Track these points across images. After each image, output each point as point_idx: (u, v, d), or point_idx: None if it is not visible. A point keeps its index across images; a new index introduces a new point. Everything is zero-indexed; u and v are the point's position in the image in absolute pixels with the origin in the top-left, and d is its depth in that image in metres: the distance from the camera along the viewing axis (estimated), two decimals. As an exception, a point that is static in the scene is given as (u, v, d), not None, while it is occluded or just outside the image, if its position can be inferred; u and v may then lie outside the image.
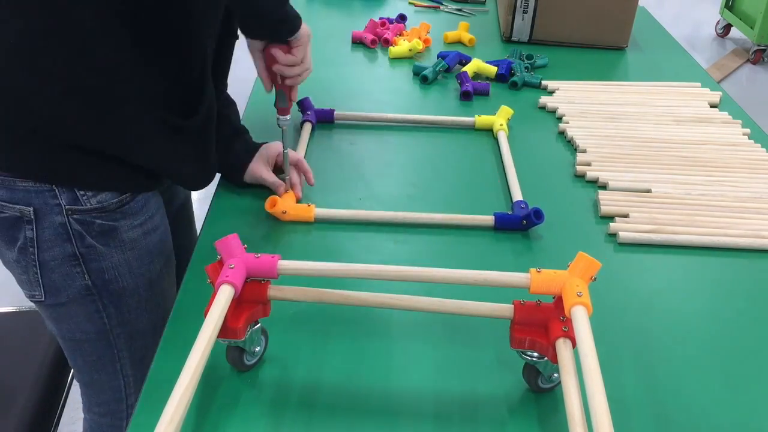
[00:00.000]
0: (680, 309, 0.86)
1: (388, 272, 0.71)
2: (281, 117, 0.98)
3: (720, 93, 1.41)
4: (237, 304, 0.69)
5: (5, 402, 1.05)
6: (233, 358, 0.73)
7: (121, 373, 1.00)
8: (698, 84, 1.46)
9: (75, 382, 1.14)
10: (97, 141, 0.82)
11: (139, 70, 0.82)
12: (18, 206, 0.84)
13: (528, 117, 1.32)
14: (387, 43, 1.61)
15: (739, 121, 1.30)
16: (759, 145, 1.23)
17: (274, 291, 0.71)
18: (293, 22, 0.89)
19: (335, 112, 1.26)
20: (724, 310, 0.87)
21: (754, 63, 4.06)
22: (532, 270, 0.67)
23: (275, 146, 1.06)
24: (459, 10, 1.88)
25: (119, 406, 1.03)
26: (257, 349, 0.75)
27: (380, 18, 1.72)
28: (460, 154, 1.20)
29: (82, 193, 0.84)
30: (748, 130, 1.27)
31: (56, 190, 0.83)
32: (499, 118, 1.26)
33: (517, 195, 1.05)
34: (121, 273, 0.91)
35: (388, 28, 1.67)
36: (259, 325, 0.74)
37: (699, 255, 0.96)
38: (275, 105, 0.97)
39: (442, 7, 1.90)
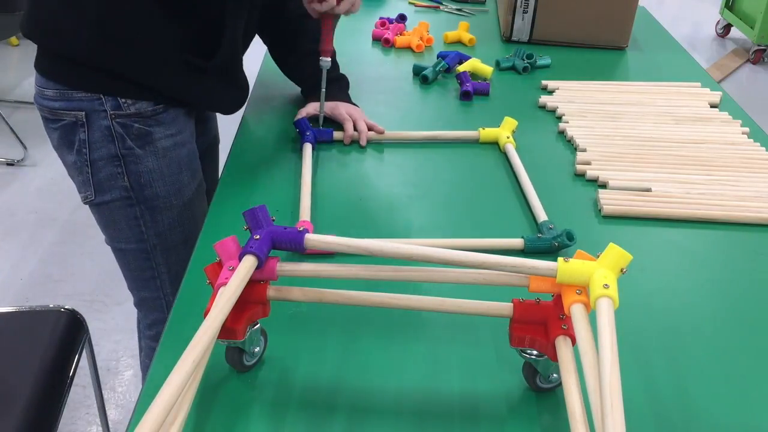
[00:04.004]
0: (681, 310, 0.86)
1: (388, 273, 0.71)
2: (323, 58, 1.14)
3: (720, 93, 1.41)
4: (237, 304, 0.69)
5: (5, 402, 1.05)
6: (233, 359, 0.73)
7: (161, 290, 1.19)
8: (698, 84, 1.46)
9: (73, 385, 1.15)
10: (132, 73, 1.00)
11: (159, 20, 0.98)
12: (73, 112, 1.02)
13: (528, 116, 1.32)
14: (387, 43, 1.61)
15: (739, 121, 1.30)
16: (759, 144, 1.23)
17: (273, 291, 0.71)
18: None
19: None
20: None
21: (754, 63, 4.06)
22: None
23: (343, 105, 1.24)
24: (459, 10, 1.88)
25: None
26: (257, 349, 0.75)
27: (380, 18, 1.72)
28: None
29: (123, 100, 1.01)
30: (747, 129, 1.27)
31: (103, 99, 1.01)
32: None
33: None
34: (154, 178, 1.07)
35: (388, 28, 1.67)
36: (258, 325, 0.73)
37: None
38: (319, 48, 1.14)
39: (442, 7, 1.90)
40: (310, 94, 1.28)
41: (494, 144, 1.23)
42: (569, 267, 0.64)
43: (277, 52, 1.33)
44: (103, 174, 1.06)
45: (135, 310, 1.29)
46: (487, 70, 1.46)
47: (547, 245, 0.94)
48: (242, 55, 1.14)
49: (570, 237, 0.94)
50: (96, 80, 1.01)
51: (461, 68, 1.45)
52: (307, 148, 1.15)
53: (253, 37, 1.20)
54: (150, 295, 1.20)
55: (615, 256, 0.64)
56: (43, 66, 1.04)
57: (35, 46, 1.03)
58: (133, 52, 1.00)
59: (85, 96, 1.01)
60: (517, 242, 0.95)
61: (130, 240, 1.13)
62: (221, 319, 0.62)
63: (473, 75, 1.46)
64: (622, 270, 0.64)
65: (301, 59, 1.28)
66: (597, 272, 0.64)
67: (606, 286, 0.62)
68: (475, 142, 1.23)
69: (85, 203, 1.11)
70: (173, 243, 1.14)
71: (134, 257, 1.15)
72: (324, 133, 1.20)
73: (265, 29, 1.28)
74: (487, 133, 1.22)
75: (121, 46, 0.99)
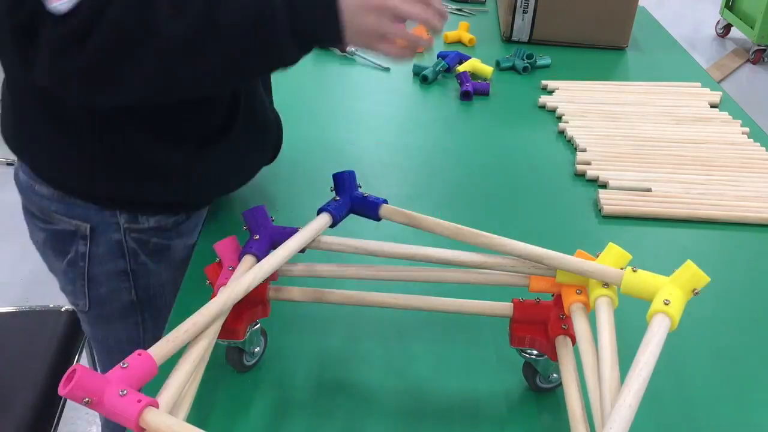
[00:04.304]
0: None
1: (388, 272, 0.71)
2: None
3: (720, 93, 1.41)
4: (237, 304, 0.69)
5: (5, 402, 1.05)
6: (233, 359, 0.73)
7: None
8: (698, 84, 1.46)
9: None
10: (152, 173, 0.83)
11: (167, 140, 0.82)
12: (74, 221, 0.84)
13: (528, 116, 1.32)
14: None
15: (739, 121, 1.30)
16: (759, 144, 1.23)
17: (273, 291, 0.71)
18: None
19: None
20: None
21: (754, 63, 4.06)
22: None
23: None
24: (459, 10, 1.88)
25: None
26: (257, 349, 0.75)
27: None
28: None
29: (142, 215, 0.85)
30: (747, 129, 1.27)
31: (117, 210, 0.84)
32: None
33: None
34: (167, 290, 0.92)
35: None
36: (258, 325, 0.73)
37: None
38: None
39: (441, 7, 1.90)
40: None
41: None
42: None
43: None
44: (104, 289, 0.90)
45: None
46: (487, 70, 1.46)
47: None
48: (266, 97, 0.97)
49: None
50: (110, 191, 0.83)
51: (461, 68, 1.45)
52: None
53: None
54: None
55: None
56: (36, 159, 0.84)
57: None
58: (143, 179, 0.83)
59: (94, 206, 0.84)
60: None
61: (122, 341, 0.97)
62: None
63: (473, 75, 1.46)
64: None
65: None
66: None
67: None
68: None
69: (76, 309, 0.96)
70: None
71: (123, 354, 0.98)
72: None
73: None
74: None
75: (130, 180, 0.83)
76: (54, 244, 0.88)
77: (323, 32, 0.71)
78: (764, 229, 1.03)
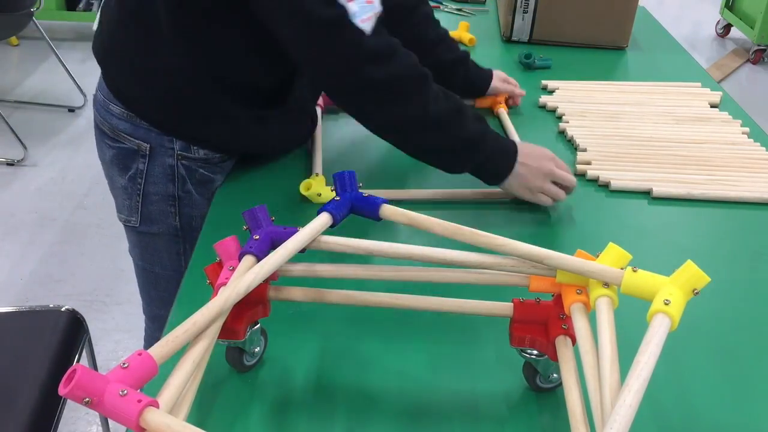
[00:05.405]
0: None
1: (388, 272, 0.71)
2: None
3: (720, 93, 1.41)
4: (237, 304, 0.69)
5: (5, 402, 1.05)
6: (233, 359, 0.73)
7: None
8: (698, 84, 1.46)
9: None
10: (206, 134, 0.99)
11: (236, 82, 0.96)
12: (137, 141, 0.98)
13: (528, 116, 1.32)
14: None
15: (739, 121, 1.30)
16: (759, 144, 1.23)
17: (273, 291, 0.71)
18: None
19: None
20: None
21: (754, 63, 4.06)
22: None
23: (498, 71, 1.31)
24: (459, 10, 1.88)
25: None
26: (257, 349, 0.75)
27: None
28: None
29: (194, 144, 0.99)
30: (747, 129, 1.27)
31: (174, 137, 0.98)
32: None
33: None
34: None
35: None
36: (258, 325, 0.73)
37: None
38: None
39: (442, 7, 1.90)
40: (454, 84, 1.16)
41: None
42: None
43: None
44: (154, 208, 1.04)
45: (135, 310, 1.30)
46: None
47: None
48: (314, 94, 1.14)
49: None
50: (170, 123, 0.98)
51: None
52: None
53: None
54: (167, 313, 1.18)
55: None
56: (116, 84, 0.99)
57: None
58: (210, 118, 0.98)
59: (155, 130, 0.98)
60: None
61: (167, 268, 1.11)
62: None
63: None
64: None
65: (432, 49, 1.23)
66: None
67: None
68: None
69: (123, 224, 1.09)
70: None
71: (167, 282, 1.12)
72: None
73: None
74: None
75: (197, 117, 0.97)
76: (119, 160, 1.01)
77: (490, 180, 1.01)
78: (764, 228, 1.03)
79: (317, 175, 1.04)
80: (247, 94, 0.98)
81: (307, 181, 1.02)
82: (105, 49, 0.99)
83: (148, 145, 0.98)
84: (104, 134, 1.02)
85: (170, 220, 1.05)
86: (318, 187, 1.01)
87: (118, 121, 0.98)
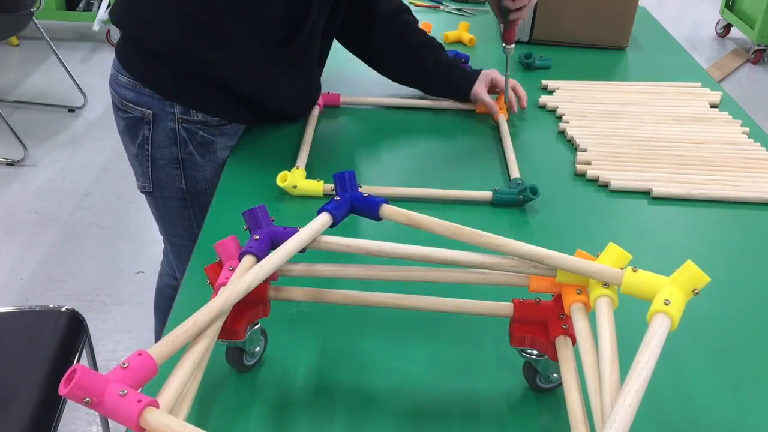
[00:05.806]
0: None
1: (388, 272, 0.71)
2: (506, 46, 1.22)
3: (720, 93, 1.41)
4: (237, 304, 0.69)
5: (5, 402, 1.05)
6: (233, 359, 0.73)
7: None
8: (698, 84, 1.46)
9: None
10: (212, 70, 1.04)
11: (249, 11, 1.01)
12: (141, 108, 1.07)
13: (528, 116, 1.32)
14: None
15: (739, 121, 1.30)
16: (759, 144, 1.23)
17: (273, 291, 0.71)
18: None
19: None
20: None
21: (754, 63, 4.06)
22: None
23: (492, 72, 1.29)
24: (459, 10, 1.88)
25: None
26: (257, 349, 0.75)
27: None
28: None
29: (192, 107, 1.06)
30: (747, 129, 1.27)
31: (174, 101, 1.05)
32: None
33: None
34: (210, 188, 1.11)
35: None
36: (258, 325, 0.73)
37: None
38: (502, 38, 1.23)
39: (442, 7, 1.90)
40: (435, 89, 1.31)
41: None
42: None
43: (381, 57, 1.29)
44: (162, 172, 1.11)
45: (135, 310, 1.30)
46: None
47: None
48: (318, 54, 1.16)
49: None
50: (171, 85, 1.05)
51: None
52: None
53: (330, 45, 1.21)
54: None
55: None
56: (123, 54, 1.08)
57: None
58: (219, 44, 1.02)
59: (156, 95, 1.05)
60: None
61: (184, 237, 1.19)
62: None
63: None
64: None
65: (415, 54, 1.26)
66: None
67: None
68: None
69: (142, 192, 1.17)
70: None
71: (188, 254, 1.15)
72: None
73: (359, 40, 1.26)
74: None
75: (208, 38, 1.02)
76: (128, 129, 1.10)
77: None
78: (764, 229, 1.03)
79: (298, 168, 1.06)
80: (261, 27, 1.03)
81: (283, 172, 1.04)
82: (124, 10, 1.06)
83: (152, 112, 1.06)
84: (116, 107, 1.10)
85: (177, 184, 1.12)
86: (294, 179, 1.03)
87: (126, 91, 1.07)
